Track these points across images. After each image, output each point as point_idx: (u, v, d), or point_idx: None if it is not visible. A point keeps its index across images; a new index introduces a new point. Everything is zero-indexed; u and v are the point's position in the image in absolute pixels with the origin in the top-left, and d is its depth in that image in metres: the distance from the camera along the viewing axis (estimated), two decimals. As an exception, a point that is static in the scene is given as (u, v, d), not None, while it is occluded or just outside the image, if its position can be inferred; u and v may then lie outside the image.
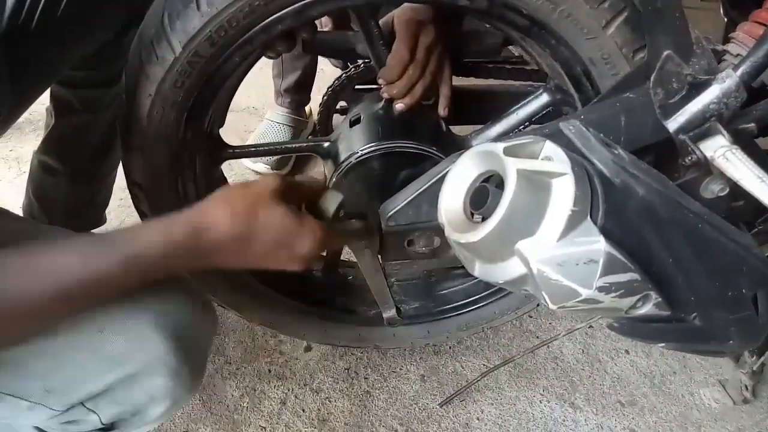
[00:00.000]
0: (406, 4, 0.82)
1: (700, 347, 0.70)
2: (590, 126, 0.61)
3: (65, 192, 1.19)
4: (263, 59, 0.88)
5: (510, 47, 1.09)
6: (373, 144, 0.84)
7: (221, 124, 0.96)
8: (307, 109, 1.77)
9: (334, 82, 0.98)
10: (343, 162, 0.85)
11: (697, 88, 0.61)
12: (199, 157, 0.89)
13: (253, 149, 0.99)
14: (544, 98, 0.90)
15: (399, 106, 0.84)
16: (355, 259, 0.92)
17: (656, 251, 0.57)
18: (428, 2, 0.81)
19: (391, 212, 0.76)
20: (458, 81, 0.95)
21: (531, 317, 1.32)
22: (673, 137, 0.63)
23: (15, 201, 1.32)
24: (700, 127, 0.61)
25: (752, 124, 0.63)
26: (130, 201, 0.92)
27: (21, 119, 0.98)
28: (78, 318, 0.57)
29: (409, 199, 0.75)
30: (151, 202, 0.89)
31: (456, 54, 0.93)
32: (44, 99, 1.03)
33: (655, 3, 0.62)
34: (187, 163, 0.87)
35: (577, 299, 0.55)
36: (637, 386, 1.20)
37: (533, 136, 0.59)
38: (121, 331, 0.58)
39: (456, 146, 0.90)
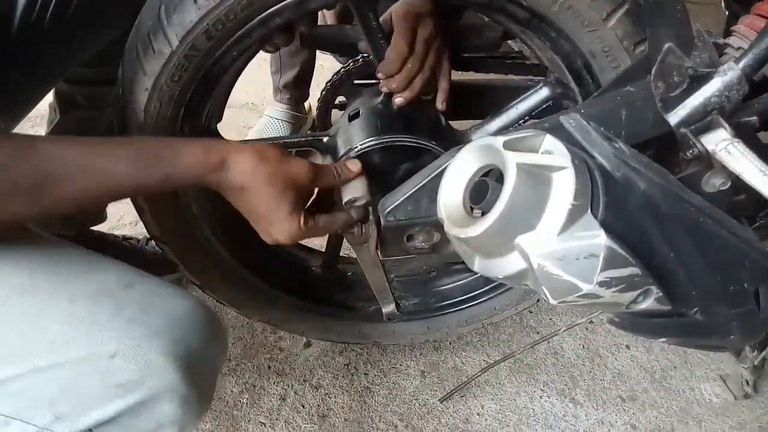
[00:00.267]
0: None
1: (702, 342, 0.70)
2: (591, 120, 0.61)
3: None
4: (262, 55, 0.87)
5: (509, 41, 1.08)
6: (371, 138, 0.83)
7: (219, 119, 0.95)
8: (306, 104, 1.77)
9: (332, 76, 0.98)
10: (341, 157, 0.85)
11: (698, 81, 0.61)
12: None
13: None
14: (544, 92, 0.89)
15: (398, 100, 0.83)
16: (354, 255, 0.92)
17: (657, 245, 0.56)
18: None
19: (390, 207, 0.75)
20: (457, 75, 0.95)
21: (531, 312, 1.32)
22: (675, 131, 0.62)
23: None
24: (701, 121, 0.61)
25: (754, 118, 0.63)
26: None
27: (21, 116, 0.98)
28: (89, 343, 0.56)
29: (409, 194, 0.74)
30: (149, 199, 0.88)
31: (455, 48, 0.92)
32: (47, 95, 1.03)
33: (656, -5, 0.62)
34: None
35: (578, 294, 0.54)
36: (638, 381, 1.20)
37: (533, 129, 0.59)
38: (133, 358, 0.57)
39: (455, 141, 0.89)
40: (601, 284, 0.54)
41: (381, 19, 0.80)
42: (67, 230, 1.20)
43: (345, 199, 0.75)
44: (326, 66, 1.90)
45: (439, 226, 0.67)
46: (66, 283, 0.60)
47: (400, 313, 1.10)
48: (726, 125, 0.60)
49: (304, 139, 0.95)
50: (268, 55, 1.59)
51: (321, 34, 0.92)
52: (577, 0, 0.70)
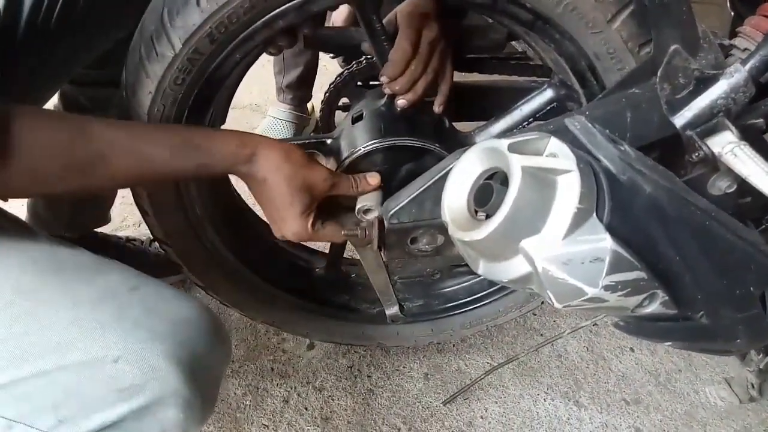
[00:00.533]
0: None
1: (707, 346, 0.69)
2: (596, 122, 0.60)
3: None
4: (265, 56, 0.87)
5: (513, 43, 1.08)
6: (375, 140, 0.83)
7: (223, 121, 0.95)
8: (309, 105, 1.77)
9: (336, 78, 0.97)
10: (344, 159, 0.85)
11: (704, 83, 0.60)
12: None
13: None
14: (549, 93, 0.89)
15: (401, 102, 0.83)
16: (358, 257, 0.91)
17: (663, 249, 0.56)
18: (431, -4, 0.80)
19: (394, 210, 0.75)
20: (462, 77, 0.94)
21: (535, 315, 1.32)
22: (680, 133, 0.62)
23: (20, 199, 1.32)
24: (707, 123, 0.61)
25: (761, 120, 0.62)
26: (132, 199, 0.92)
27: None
28: (93, 346, 0.56)
29: (412, 196, 0.74)
30: (152, 200, 0.88)
31: (459, 49, 0.92)
32: (52, 98, 1.03)
33: (662, -3, 0.61)
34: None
35: (583, 298, 0.54)
36: (642, 384, 1.20)
37: (538, 132, 0.58)
38: (136, 362, 0.56)
39: (459, 143, 0.89)
40: (606, 288, 0.54)
41: (385, 20, 0.80)
42: (72, 232, 1.20)
43: (358, 206, 0.77)
44: (330, 67, 1.90)
45: (443, 228, 0.67)
46: (70, 286, 0.60)
47: (404, 315, 1.09)
48: (732, 127, 0.59)
49: (307, 141, 0.94)
50: (271, 56, 1.59)
51: (324, 36, 0.92)
52: (581, 1, 0.70)
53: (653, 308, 0.58)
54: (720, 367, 1.23)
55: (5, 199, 0.66)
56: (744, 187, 0.59)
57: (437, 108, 0.87)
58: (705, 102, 0.60)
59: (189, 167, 0.67)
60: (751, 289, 0.60)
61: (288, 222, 0.74)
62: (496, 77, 1.03)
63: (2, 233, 0.65)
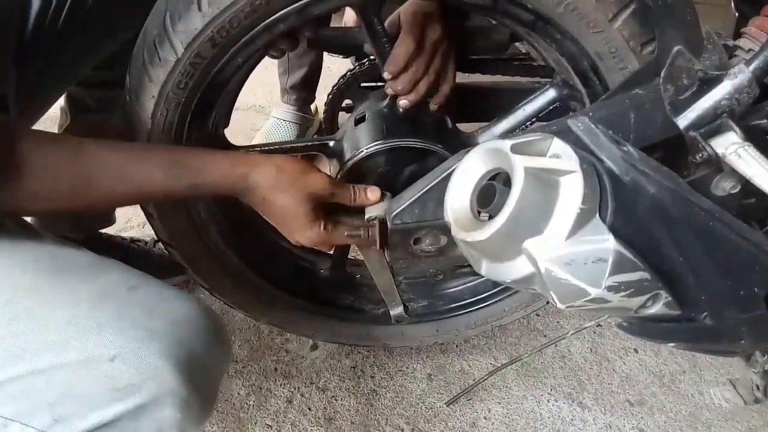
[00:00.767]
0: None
1: (711, 347, 0.69)
2: (599, 123, 0.60)
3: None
4: (269, 58, 0.87)
5: (517, 44, 1.08)
6: (378, 142, 0.83)
7: (226, 124, 0.96)
8: (312, 107, 1.77)
9: (339, 80, 0.98)
10: (347, 161, 0.85)
11: (708, 83, 0.60)
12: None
13: (257, 149, 0.98)
14: (551, 94, 0.89)
15: (403, 102, 0.83)
16: (362, 258, 0.91)
17: (666, 250, 0.56)
18: (433, -1, 0.80)
19: (397, 210, 0.75)
20: (464, 78, 0.94)
21: (538, 316, 1.32)
22: (684, 134, 0.61)
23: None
24: (711, 124, 0.60)
25: (765, 120, 0.62)
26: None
27: (31, 120, 0.98)
28: (90, 345, 0.57)
29: (415, 197, 0.74)
30: (156, 203, 0.88)
31: (462, 50, 0.92)
32: (59, 99, 1.03)
33: (665, -3, 0.61)
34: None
35: (586, 299, 0.54)
36: (646, 385, 1.19)
37: (541, 133, 0.58)
38: (133, 361, 0.57)
39: (462, 143, 0.89)
40: (609, 289, 0.54)
41: (388, 21, 0.80)
42: (76, 233, 1.21)
43: (366, 216, 0.78)
44: (333, 69, 1.90)
45: (446, 229, 0.67)
46: (70, 285, 0.61)
47: (408, 315, 1.09)
48: (736, 128, 0.59)
49: (310, 143, 0.95)
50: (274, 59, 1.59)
51: (327, 37, 0.92)
52: (582, 1, 0.70)
53: (656, 309, 0.58)
54: (724, 368, 1.23)
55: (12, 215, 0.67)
56: (748, 188, 0.59)
57: (433, 106, 0.87)
58: (709, 103, 0.60)
59: (180, 187, 0.68)
60: (756, 289, 0.59)
61: (299, 231, 0.75)
62: (499, 78, 1.03)
63: (5, 233, 0.65)
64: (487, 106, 0.98)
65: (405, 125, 0.86)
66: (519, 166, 0.52)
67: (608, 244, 0.52)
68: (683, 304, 0.59)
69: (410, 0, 0.82)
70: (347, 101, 1.01)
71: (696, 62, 0.60)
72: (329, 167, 0.95)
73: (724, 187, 0.61)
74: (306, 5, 0.70)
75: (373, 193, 0.79)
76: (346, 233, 0.79)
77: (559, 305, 0.55)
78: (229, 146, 0.95)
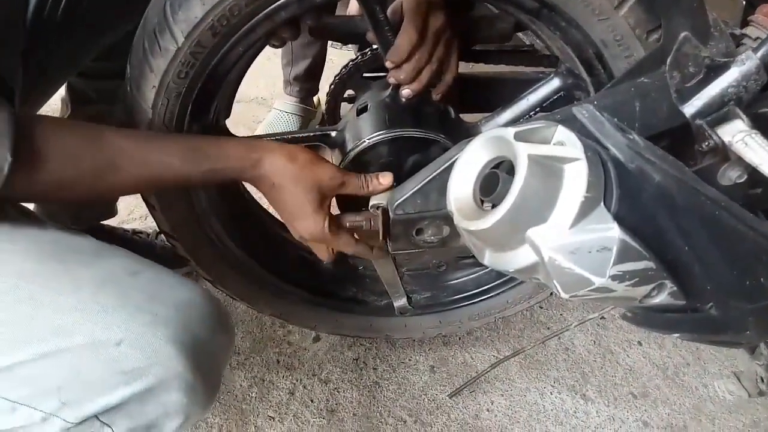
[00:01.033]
0: None
1: (716, 338, 0.68)
2: (604, 111, 0.60)
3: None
4: (272, 49, 0.86)
5: (521, 35, 1.07)
6: (380, 132, 0.83)
7: (227, 115, 0.95)
8: (315, 99, 1.76)
9: (341, 70, 0.97)
10: (349, 151, 0.84)
11: (715, 71, 0.59)
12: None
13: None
14: (555, 83, 0.88)
15: (406, 92, 0.82)
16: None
17: (672, 239, 0.55)
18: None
19: (399, 201, 0.75)
20: (468, 68, 0.93)
21: (542, 308, 1.31)
22: (690, 122, 0.61)
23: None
24: (717, 112, 0.59)
25: (773, 108, 0.61)
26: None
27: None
28: (96, 329, 0.57)
29: (418, 187, 0.74)
30: (159, 194, 0.88)
31: (466, 40, 0.91)
32: (59, 90, 1.03)
33: (671, -16, 0.60)
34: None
35: (590, 288, 0.53)
36: (650, 378, 1.19)
37: (545, 121, 0.58)
38: (139, 345, 0.57)
39: (465, 133, 0.88)
40: (613, 278, 0.53)
41: (391, 8, 0.79)
42: (79, 224, 1.21)
43: (371, 204, 0.78)
44: (336, 60, 1.89)
45: (448, 219, 0.67)
46: (73, 271, 0.61)
47: (411, 307, 1.09)
48: (743, 116, 0.58)
49: (312, 133, 0.94)
50: (277, 50, 1.58)
51: (329, 25, 0.91)
52: (588, -12, 0.69)
53: (661, 299, 0.57)
54: (729, 360, 1.22)
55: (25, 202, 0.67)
56: (755, 176, 0.58)
57: (435, 96, 0.86)
58: (715, 90, 0.59)
59: (197, 173, 0.69)
60: (762, 280, 0.59)
61: (302, 222, 0.75)
62: (502, 68, 1.02)
63: (7, 220, 0.65)
64: (490, 96, 0.97)
65: (407, 115, 0.85)
66: (522, 153, 0.52)
67: (613, 232, 0.52)
68: (688, 294, 0.58)
69: None
70: (349, 92, 1.01)
71: (703, 49, 0.59)
72: (331, 158, 0.94)
73: (731, 176, 0.61)
74: (307, -7, 0.70)
75: (385, 178, 0.79)
76: (347, 223, 0.78)
77: (563, 294, 0.54)
78: (230, 136, 0.95)
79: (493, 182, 0.57)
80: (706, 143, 0.60)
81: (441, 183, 0.70)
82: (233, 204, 1.00)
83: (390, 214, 0.76)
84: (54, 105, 1.15)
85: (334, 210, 0.80)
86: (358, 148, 0.84)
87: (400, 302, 1.08)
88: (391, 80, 0.83)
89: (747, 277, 0.58)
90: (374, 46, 0.91)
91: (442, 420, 1.10)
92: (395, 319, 1.12)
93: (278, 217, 0.80)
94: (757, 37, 0.67)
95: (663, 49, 0.63)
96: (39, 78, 0.87)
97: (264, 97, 1.93)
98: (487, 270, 1.09)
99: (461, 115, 0.94)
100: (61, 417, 0.58)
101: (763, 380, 1.13)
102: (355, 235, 0.80)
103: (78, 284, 0.59)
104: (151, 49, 0.74)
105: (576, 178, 0.51)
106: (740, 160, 0.58)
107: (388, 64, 0.80)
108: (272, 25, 0.73)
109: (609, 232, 0.52)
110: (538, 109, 0.89)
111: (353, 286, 1.14)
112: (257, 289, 1.07)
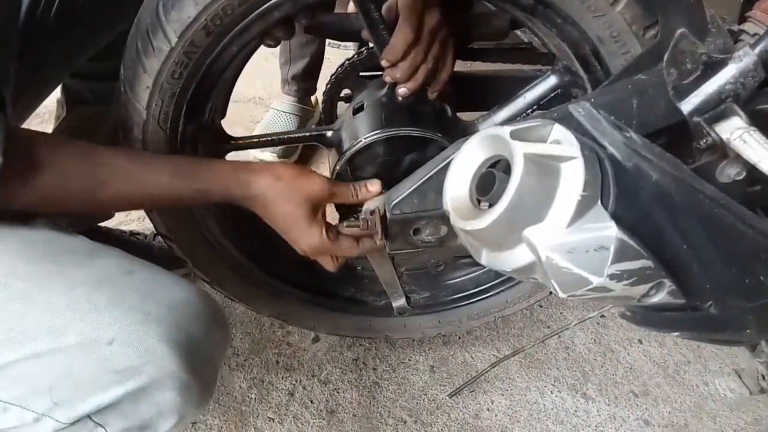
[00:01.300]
0: None
1: (716, 336, 0.68)
2: (601, 109, 0.59)
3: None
4: (269, 49, 0.86)
5: (518, 33, 1.06)
6: (376, 131, 0.82)
7: (223, 115, 0.95)
8: (313, 99, 1.76)
9: (337, 69, 0.97)
10: (345, 151, 0.84)
11: (712, 67, 0.59)
12: (201, 150, 0.88)
13: (255, 140, 0.97)
14: (552, 80, 0.87)
15: (402, 90, 0.82)
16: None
17: (670, 237, 0.55)
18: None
19: (396, 200, 0.74)
20: (464, 66, 0.93)
21: (541, 307, 1.31)
22: (688, 119, 0.60)
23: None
24: (715, 109, 0.59)
25: (771, 105, 0.61)
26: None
27: (27, 112, 0.98)
28: (88, 328, 0.56)
29: (414, 186, 0.73)
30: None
31: (462, 38, 0.90)
32: (54, 91, 1.03)
33: (668, -20, 0.60)
34: (189, 155, 0.86)
35: (588, 287, 0.53)
36: (651, 376, 1.19)
37: (541, 119, 0.57)
38: (132, 344, 0.57)
39: (462, 132, 0.88)
40: (611, 277, 0.52)
41: (386, 6, 0.79)
42: (76, 226, 1.20)
43: (364, 208, 0.78)
44: (333, 60, 1.89)
45: (445, 219, 0.66)
46: (66, 270, 0.61)
47: (410, 307, 1.09)
48: (741, 113, 0.58)
49: (308, 133, 0.94)
50: (275, 50, 1.58)
51: (324, 22, 0.91)
52: (584, -15, 0.69)
53: (660, 298, 0.57)
54: (730, 358, 1.22)
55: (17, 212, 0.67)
56: (753, 174, 0.58)
57: (431, 94, 0.86)
58: (713, 87, 0.59)
59: (187, 192, 0.70)
60: (761, 278, 0.58)
61: (301, 237, 0.76)
62: (499, 66, 1.02)
63: (1, 222, 0.64)
64: (487, 95, 0.97)
65: (404, 114, 0.85)
66: (519, 152, 0.51)
67: (610, 231, 0.51)
68: (687, 292, 0.58)
69: None
70: (346, 91, 1.00)
71: (700, 46, 0.59)
72: (328, 158, 0.94)
73: (729, 173, 0.60)
74: (299, -8, 0.69)
75: (373, 185, 0.79)
76: (345, 225, 0.78)
77: (561, 294, 0.54)
78: (226, 137, 0.94)
79: (490, 181, 0.56)
80: (704, 140, 0.59)
81: (438, 182, 0.69)
82: (230, 205, 1.00)
83: (387, 214, 0.76)
84: (50, 106, 1.14)
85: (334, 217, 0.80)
86: (355, 148, 0.84)
87: (399, 302, 1.07)
88: (387, 79, 0.82)
89: (746, 275, 0.58)
90: (370, 45, 0.91)
91: (442, 420, 1.10)
92: (394, 319, 1.11)
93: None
94: (755, 33, 0.67)
95: (660, 46, 0.63)
96: (32, 79, 0.87)
97: (261, 97, 1.93)
98: (486, 269, 1.09)
99: (458, 114, 0.93)
100: (53, 417, 0.57)
101: (764, 377, 1.12)
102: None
103: (71, 284, 0.59)
104: (144, 50, 0.73)
105: (573, 177, 0.51)
106: (738, 158, 0.58)
107: (383, 63, 0.80)
108: (266, 24, 0.73)
109: (606, 231, 0.51)
110: (535, 107, 0.88)
111: (352, 287, 1.13)
112: (255, 290, 1.06)
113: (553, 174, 0.52)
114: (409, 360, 1.20)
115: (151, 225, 0.94)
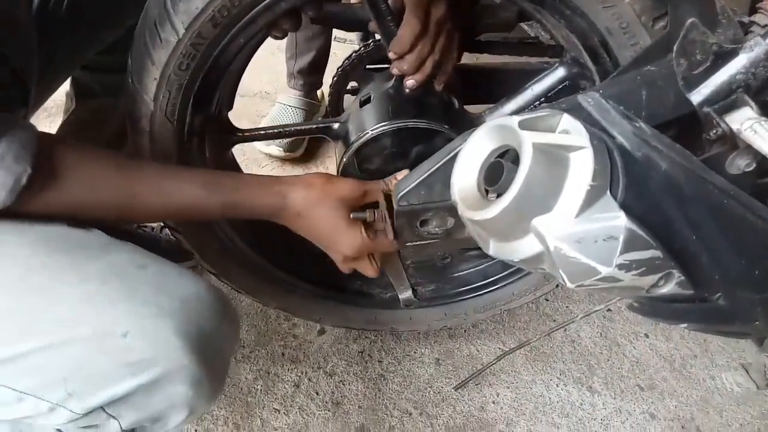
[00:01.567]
0: None
1: (724, 328, 0.68)
2: (610, 100, 0.59)
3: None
4: (276, 44, 0.86)
5: (525, 26, 1.06)
6: (383, 123, 0.82)
7: (230, 107, 0.95)
8: (319, 93, 1.76)
9: (344, 62, 0.97)
10: (352, 143, 0.84)
11: (723, 57, 0.58)
12: (208, 142, 0.88)
13: (261, 132, 0.97)
14: (560, 72, 0.87)
15: (409, 82, 0.82)
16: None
17: (679, 228, 0.54)
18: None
19: (403, 192, 0.74)
20: (472, 59, 0.93)
21: (547, 300, 1.31)
22: (697, 110, 0.60)
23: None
24: (725, 99, 0.58)
25: (782, 95, 0.60)
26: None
27: (35, 106, 0.98)
28: (102, 321, 0.57)
29: (422, 178, 0.73)
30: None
31: (469, 30, 0.90)
32: (64, 84, 1.03)
33: (678, -30, 0.59)
34: (196, 147, 0.86)
35: (596, 277, 0.53)
36: (657, 370, 1.18)
37: (550, 109, 0.57)
38: (145, 337, 0.57)
39: (469, 124, 0.87)
40: (620, 267, 0.52)
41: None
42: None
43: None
44: (339, 54, 1.88)
45: (453, 210, 0.66)
46: (80, 263, 0.61)
47: (417, 299, 1.09)
48: (752, 103, 0.57)
49: (315, 125, 0.94)
50: (281, 44, 1.58)
51: (331, 12, 0.91)
52: (593, -24, 0.68)
53: (669, 289, 0.57)
54: (737, 352, 1.22)
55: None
56: (764, 165, 0.57)
57: (438, 86, 0.85)
58: (723, 77, 0.58)
59: (215, 204, 0.71)
60: (771, 269, 0.58)
61: (341, 240, 0.77)
62: (507, 58, 1.01)
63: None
64: (495, 87, 0.97)
65: (411, 106, 0.85)
66: (527, 142, 0.51)
67: (619, 221, 0.51)
68: (696, 283, 0.58)
69: None
70: (352, 84, 1.00)
71: (710, 36, 0.58)
72: (335, 150, 0.94)
73: (739, 164, 0.59)
74: (307, -17, 0.69)
75: (402, 175, 0.78)
76: (351, 215, 0.78)
77: (569, 284, 0.54)
78: (233, 129, 0.94)
79: (498, 171, 0.56)
80: (714, 131, 0.59)
81: (445, 174, 0.69)
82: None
83: (394, 205, 0.76)
84: (59, 99, 1.15)
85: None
86: (362, 140, 0.84)
87: (405, 295, 1.07)
88: (394, 71, 0.82)
89: (755, 266, 0.58)
90: (377, 37, 0.91)
91: (447, 412, 1.10)
92: (400, 311, 1.11)
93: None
94: (766, 24, 0.66)
95: (669, 37, 0.63)
96: (43, 71, 0.87)
97: (268, 91, 1.93)
98: (492, 262, 1.09)
99: (465, 107, 0.93)
100: (67, 408, 0.58)
101: (771, 372, 1.12)
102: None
103: (85, 277, 0.59)
104: (152, 41, 0.74)
105: (581, 167, 0.51)
106: (749, 149, 0.57)
107: (391, 55, 0.80)
108: (273, 15, 0.73)
109: (615, 221, 0.51)
110: (542, 99, 0.88)
111: (358, 279, 1.13)
112: (262, 283, 1.07)
113: (561, 164, 0.52)
114: (415, 352, 1.20)
115: (159, 217, 0.95)
